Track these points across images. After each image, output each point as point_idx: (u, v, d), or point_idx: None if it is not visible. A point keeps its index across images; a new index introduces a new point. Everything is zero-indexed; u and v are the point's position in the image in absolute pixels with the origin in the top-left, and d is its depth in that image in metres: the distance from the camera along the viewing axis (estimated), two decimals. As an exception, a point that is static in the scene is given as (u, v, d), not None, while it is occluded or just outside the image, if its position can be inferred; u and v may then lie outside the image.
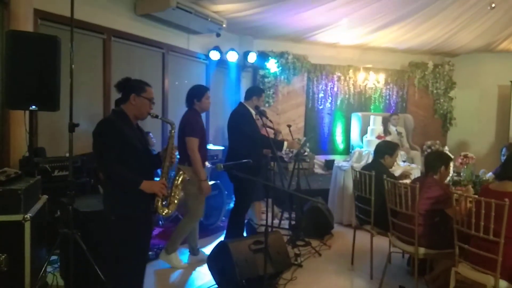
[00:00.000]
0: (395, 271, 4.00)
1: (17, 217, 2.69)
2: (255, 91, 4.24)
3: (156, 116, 2.64)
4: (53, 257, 3.46)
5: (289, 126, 4.87)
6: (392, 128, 7.04)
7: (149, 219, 2.60)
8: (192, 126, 3.84)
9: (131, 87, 2.55)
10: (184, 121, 3.92)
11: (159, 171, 2.67)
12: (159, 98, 6.09)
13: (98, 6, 4.99)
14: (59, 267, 3.49)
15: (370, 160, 5.58)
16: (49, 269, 3.36)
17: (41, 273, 2.89)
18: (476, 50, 8.56)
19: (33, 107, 3.41)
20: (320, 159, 8.25)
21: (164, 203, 2.54)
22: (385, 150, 4.16)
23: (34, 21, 4.10)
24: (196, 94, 3.95)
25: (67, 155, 3.74)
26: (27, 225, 2.71)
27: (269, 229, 3.04)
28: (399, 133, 6.99)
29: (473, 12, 6.54)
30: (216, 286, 3.52)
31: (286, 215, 5.42)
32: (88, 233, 2.95)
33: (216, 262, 3.57)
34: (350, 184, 5.14)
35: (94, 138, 2.45)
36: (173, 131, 2.66)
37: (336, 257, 4.38)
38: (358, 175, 4.04)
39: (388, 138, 6.18)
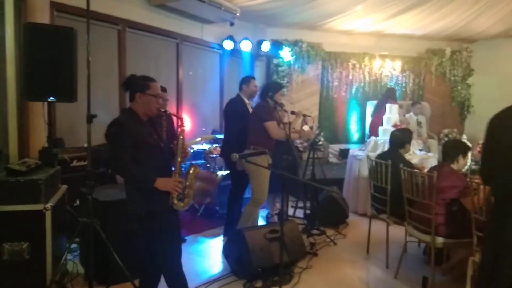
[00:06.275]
0: (411, 260, 3.98)
1: (38, 207, 2.77)
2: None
3: (165, 111, 2.63)
4: (73, 245, 3.55)
5: (304, 115, 4.83)
6: (413, 117, 6.95)
7: (173, 210, 2.62)
8: (269, 111, 4.04)
9: (135, 86, 2.53)
10: (259, 109, 4.11)
11: None
12: (173, 88, 6.12)
13: (112, -3, 5.02)
14: (79, 255, 3.58)
15: (386, 149, 5.53)
16: (69, 257, 3.46)
17: (62, 261, 2.97)
18: (496, 35, 8.33)
19: (52, 98, 3.47)
20: (334, 148, 8.21)
21: (179, 197, 2.56)
22: (404, 139, 4.09)
23: (51, 13, 4.14)
24: (273, 88, 4.18)
25: (85, 145, 3.82)
26: (48, 214, 2.79)
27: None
28: (418, 123, 6.90)
29: (493, -4, 6.37)
30: (232, 274, 3.57)
31: (300, 204, 5.43)
32: (107, 221, 3.02)
33: (232, 251, 3.62)
34: (365, 173, 5.11)
35: (106, 139, 2.48)
36: (183, 126, 2.64)
37: (352, 246, 4.38)
38: (374, 164, 4.01)
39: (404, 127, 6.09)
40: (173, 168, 2.60)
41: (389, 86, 8.35)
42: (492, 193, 2.14)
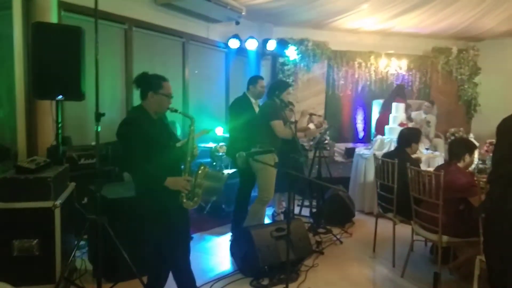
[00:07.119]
0: (417, 259, 3.98)
1: (47, 204, 2.80)
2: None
3: (176, 111, 2.65)
4: (82, 243, 3.58)
5: (310, 114, 4.84)
6: (422, 116, 6.92)
7: (182, 208, 2.64)
8: (276, 110, 4.03)
9: (148, 84, 2.56)
10: (266, 108, 4.13)
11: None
12: (179, 87, 6.14)
13: (119, -4, 5.04)
14: (87, 252, 3.61)
15: (392, 148, 5.53)
16: (77, 254, 3.49)
17: (70, 258, 3.00)
18: (503, 34, 8.27)
19: (60, 97, 3.50)
20: (340, 147, 8.20)
21: (189, 196, 2.59)
22: (412, 138, 4.08)
23: (58, 12, 4.16)
24: (279, 87, 4.19)
25: (93, 143, 3.84)
26: (57, 212, 2.81)
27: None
28: (427, 122, 6.87)
29: (500, -6, 6.33)
30: (239, 272, 3.58)
31: (306, 203, 5.43)
32: (115, 219, 3.04)
33: (239, 248, 3.63)
34: (371, 172, 5.11)
35: (117, 138, 2.51)
36: (192, 126, 2.66)
37: (358, 245, 4.38)
38: (380, 163, 4.01)
39: (410, 126, 6.08)
40: (182, 167, 2.61)
41: (396, 84, 8.34)
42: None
